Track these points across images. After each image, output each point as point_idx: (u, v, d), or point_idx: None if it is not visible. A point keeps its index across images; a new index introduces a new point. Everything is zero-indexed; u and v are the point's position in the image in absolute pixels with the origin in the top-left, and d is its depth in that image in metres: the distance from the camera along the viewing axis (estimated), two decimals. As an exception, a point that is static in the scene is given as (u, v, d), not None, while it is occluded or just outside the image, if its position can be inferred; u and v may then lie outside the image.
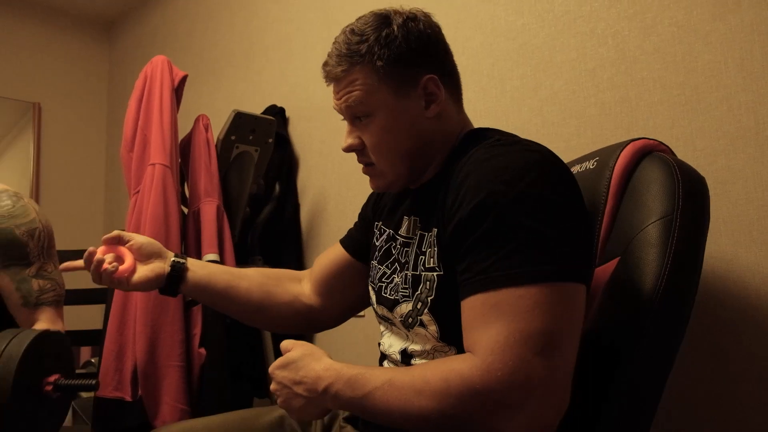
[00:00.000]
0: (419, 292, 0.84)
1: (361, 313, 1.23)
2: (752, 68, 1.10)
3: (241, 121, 1.81)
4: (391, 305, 0.91)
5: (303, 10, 2.20)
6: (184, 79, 1.80)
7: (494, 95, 1.54)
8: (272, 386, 0.86)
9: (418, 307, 0.84)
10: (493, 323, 0.69)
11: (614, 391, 0.76)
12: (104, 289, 1.77)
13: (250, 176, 1.86)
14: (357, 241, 1.13)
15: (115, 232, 1.08)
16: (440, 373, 0.71)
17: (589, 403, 0.76)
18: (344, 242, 1.16)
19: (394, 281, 0.91)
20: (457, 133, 0.93)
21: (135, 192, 1.68)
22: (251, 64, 2.45)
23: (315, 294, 1.17)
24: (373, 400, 0.74)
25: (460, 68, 1.00)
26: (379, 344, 1.00)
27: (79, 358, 2.54)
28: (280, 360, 0.85)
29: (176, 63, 1.86)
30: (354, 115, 0.93)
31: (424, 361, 0.86)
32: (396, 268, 0.94)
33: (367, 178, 0.96)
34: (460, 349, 0.75)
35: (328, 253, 1.18)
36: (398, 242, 0.95)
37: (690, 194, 0.81)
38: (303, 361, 0.82)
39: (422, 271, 0.85)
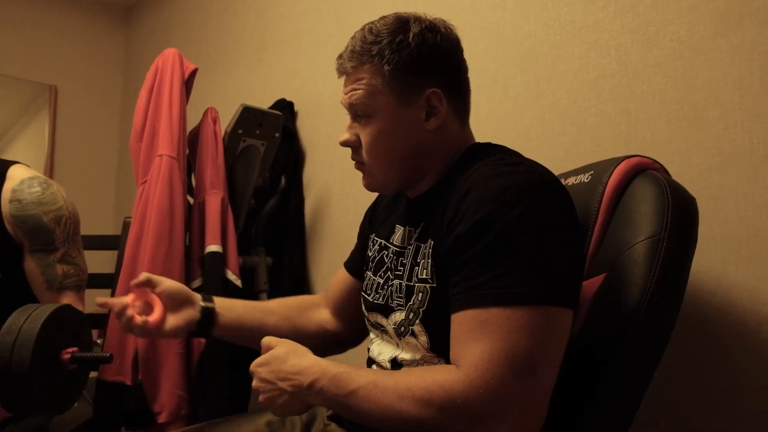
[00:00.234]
0: (412, 302, 0.86)
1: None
2: (750, 87, 1.11)
3: (248, 115, 1.84)
4: (387, 312, 0.93)
5: (316, 5, 2.21)
6: (194, 72, 1.83)
7: (497, 99, 1.56)
8: (254, 383, 0.87)
9: (410, 317, 0.86)
10: (479, 339, 0.72)
11: (591, 405, 0.78)
12: (110, 274, 1.81)
13: (256, 169, 1.89)
14: (358, 262, 1.15)
15: (144, 276, 1.08)
16: (423, 382, 0.73)
17: (568, 415, 0.78)
18: (347, 265, 1.19)
19: (389, 289, 0.93)
20: (457, 148, 0.94)
21: (143, 182, 1.72)
22: (263, 57, 2.47)
23: (335, 318, 1.20)
24: (357, 398, 0.77)
25: None
26: (369, 349, 1.03)
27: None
28: (263, 357, 0.86)
29: (189, 53, 1.89)
30: (355, 113, 0.95)
31: None
32: (389, 276, 0.96)
33: None
34: (449, 361, 0.77)
35: (337, 277, 1.21)
36: (390, 251, 0.97)
37: (679, 216, 0.83)
38: (287, 357, 0.84)
39: (416, 282, 0.87)
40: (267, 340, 0.89)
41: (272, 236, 2.05)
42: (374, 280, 1.00)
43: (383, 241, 1.01)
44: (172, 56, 1.80)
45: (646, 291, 0.78)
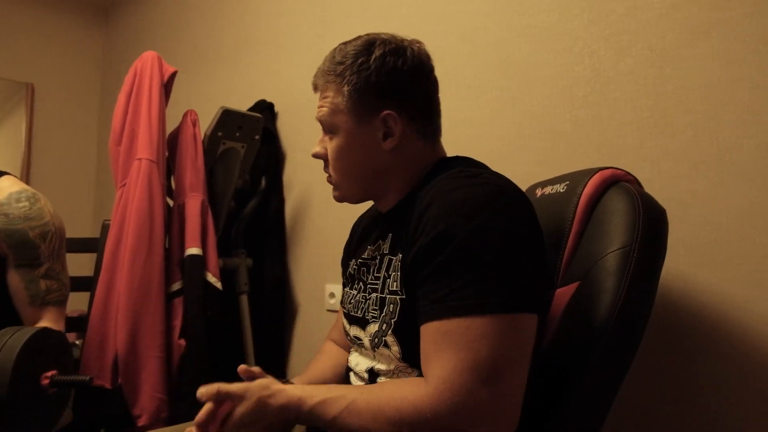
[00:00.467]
0: (384, 313, 0.89)
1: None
2: (717, 96, 1.15)
3: (228, 118, 1.85)
4: (363, 325, 0.95)
5: (296, 7, 2.22)
6: (173, 75, 1.83)
7: (473, 105, 1.58)
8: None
9: (383, 328, 0.88)
10: (444, 351, 0.74)
11: (562, 411, 0.81)
12: (89, 277, 1.81)
13: (236, 172, 1.90)
14: None
15: (215, 389, 0.87)
16: (393, 402, 0.76)
17: (539, 421, 0.81)
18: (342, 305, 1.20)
19: (367, 303, 0.95)
20: (423, 165, 0.97)
21: (122, 185, 1.71)
22: (242, 59, 2.47)
23: None
24: (336, 425, 0.79)
25: (443, 76, 1.05)
26: (348, 359, 1.05)
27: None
28: (237, 418, 0.83)
29: (168, 54, 1.89)
30: (323, 128, 1.00)
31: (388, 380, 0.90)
32: (360, 287, 0.99)
33: None
34: (421, 371, 0.79)
35: (341, 322, 1.19)
36: (362, 264, 1.01)
37: (649, 227, 0.86)
38: (260, 406, 0.83)
39: (387, 294, 0.89)
40: (224, 388, 0.86)
41: (252, 238, 2.05)
42: (351, 294, 1.03)
43: (355, 265, 1.04)
44: (151, 59, 1.80)
45: (617, 299, 0.81)
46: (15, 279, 1.38)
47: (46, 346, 1.17)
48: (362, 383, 0.96)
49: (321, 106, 0.98)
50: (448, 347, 0.73)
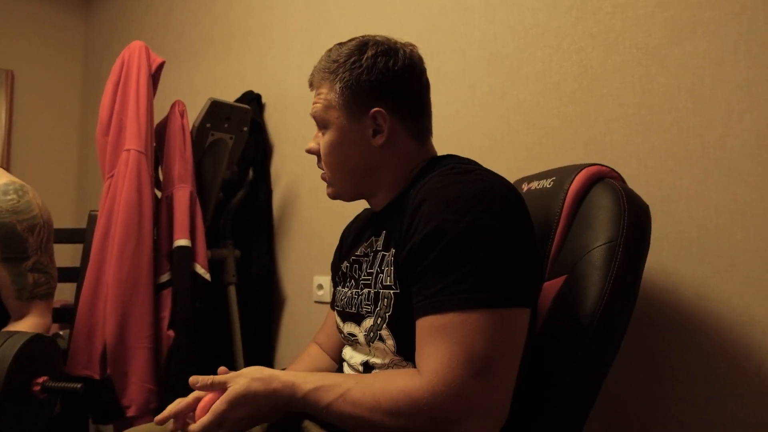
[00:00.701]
0: (378, 308, 0.90)
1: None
2: (702, 94, 1.18)
3: (216, 109, 1.84)
4: (359, 320, 0.96)
5: (284, -2, 2.22)
6: (161, 65, 1.82)
7: (464, 101, 1.60)
8: (232, 426, 0.85)
9: (378, 322, 0.90)
10: (438, 345, 0.76)
11: (548, 403, 0.84)
12: (77, 268, 1.80)
13: (224, 163, 1.89)
14: None
15: (209, 380, 0.88)
16: (389, 393, 0.77)
17: (526, 412, 0.83)
18: (333, 307, 1.18)
19: (360, 298, 0.96)
20: (415, 163, 0.99)
21: (109, 176, 1.70)
22: (230, 49, 2.46)
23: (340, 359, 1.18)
24: (330, 413, 0.81)
25: (433, 72, 1.07)
26: (342, 352, 1.07)
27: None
28: (226, 404, 0.83)
29: (154, 43, 1.88)
30: (317, 124, 1.03)
31: None
32: (352, 284, 1.01)
33: None
34: (415, 364, 0.81)
35: (329, 325, 1.22)
36: (355, 262, 1.02)
37: (634, 222, 0.89)
38: (257, 390, 0.83)
39: (380, 289, 0.91)
40: (218, 379, 0.87)
41: (240, 229, 2.06)
42: (343, 292, 1.05)
43: (347, 263, 1.06)
44: (139, 49, 1.78)
45: (603, 292, 0.84)
46: (2, 272, 1.37)
47: (38, 353, 1.17)
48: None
49: (315, 102, 1.01)
50: (442, 341, 0.75)
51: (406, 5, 1.78)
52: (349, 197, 1.05)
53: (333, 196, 1.06)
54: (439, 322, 0.77)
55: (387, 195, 1.00)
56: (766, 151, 1.09)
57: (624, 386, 1.21)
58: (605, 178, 0.97)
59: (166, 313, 1.64)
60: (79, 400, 1.23)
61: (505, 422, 0.76)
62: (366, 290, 0.94)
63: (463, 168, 0.89)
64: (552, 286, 0.93)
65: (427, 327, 0.78)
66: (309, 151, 1.04)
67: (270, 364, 2.03)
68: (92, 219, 1.79)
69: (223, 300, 1.93)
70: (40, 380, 1.15)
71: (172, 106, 1.85)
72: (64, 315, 1.80)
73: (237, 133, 1.91)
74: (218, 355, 1.86)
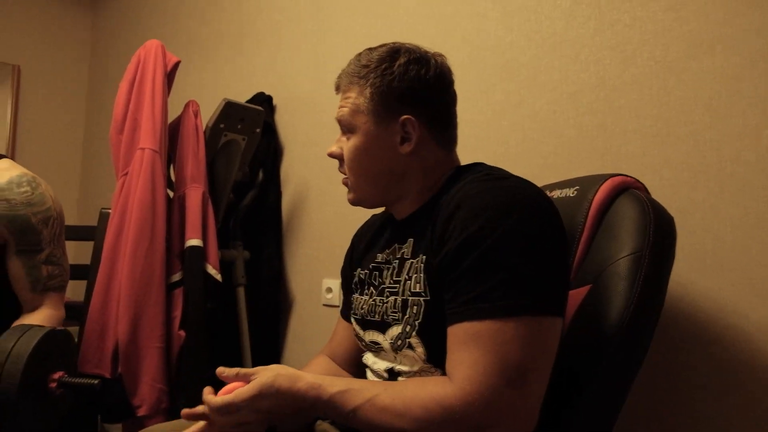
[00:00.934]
0: (407, 315, 0.90)
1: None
2: (718, 108, 1.19)
3: (230, 110, 1.85)
4: (384, 329, 0.96)
5: (295, 1, 2.22)
6: (176, 65, 1.83)
7: (479, 107, 1.61)
8: (248, 416, 0.85)
9: (407, 330, 0.90)
10: (471, 352, 0.76)
11: (572, 415, 0.84)
12: (86, 265, 1.80)
13: (237, 164, 1.90)
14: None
15: (235, 370, 0.90)
16: (420, 400, 0.78)
17: (550, 419, 0.84)
18: (344, 313, 1.20)
19: (384, 306, 0.96)
20: (441, 172, 1.00)
21: (123, 174, 1.71)
22: (241, 50, 2.46)
23: (353, 370, 1.18)
24: (356, 417, 0.81)
25: None
26: (361, 357, 1.07)
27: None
28: (252, 390, 0.83)
29: (161, 41, 1.87)
30: (342, 128, 1.03)
31: None
32: (372, 291, 1.01)
33: None
34: (445, 371, 0.82)
35: (341, 331, 1.20)
36: (376, 270, 1.03)
37: (660, 233, 0.90)
38: (281, 386, 0.84)
39: (408, 296, 0.91)
40: (243, 370, 0.88)
41: (249, 230, 2.06)
42: (362, 299, 1.05)
43: (366, 270, 1.06)
44: (155, 48, 1.79)
45: (629, 303, 0.85)
46: (16, 265, 1.37)
47: (54, 348, 1.17)
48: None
49: (342, 106, 1.01)
50: (476, 348, 0.76)
51: (418, 9, 1.79)
52: (371, 204, 1.05)
53: (354, 202, 1.05)
54: (473, 329, 0.77)
55: (412, 203, 1.00)
56: (784, 167, 1.11)
57: (641, 397, 1.22)
58: (630, 188, 0.99)
59: (177, 313, 1.64)
60: (94, 396, 1.24)
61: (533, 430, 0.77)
62: (392, 298, 0.94)
63: (497, 174, 0.90)
64: (576, 296, 0.94)
65: (460, 334, 0.79)
66: (331, 155, 1.04)
67: (277, 365, 2.03)
68: (104, 217, 1.79)
69: (232, 301, 1.93)
70: (57, 375, 1.15)
71: (186, 105, 1.85)
72: (72, 312, 1.80)
73: (250, 135, 1.91)
74: (226, 356, 1.86)
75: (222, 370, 0.90)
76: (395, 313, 0.93)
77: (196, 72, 2.69)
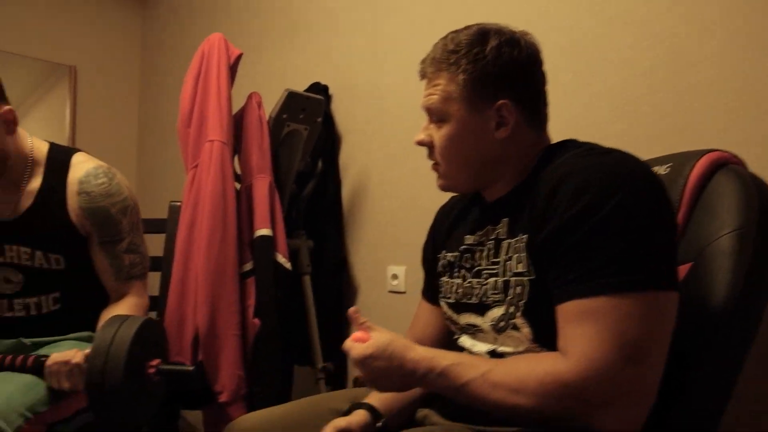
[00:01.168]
0: (510, 296, 0.89)
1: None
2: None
3: (292, 101, 1.86)
4: (482, 311, 0.95)
5: (349, -12, 2.22)
6: (239, 57, 1.85)
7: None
8: (363, 374, 0.88)
9: (511, 311, 0.89)
10: (587, 328, 0.75)
11: (684, 393, 0.83)
12: (159, 257, 1.84)
13: (299, 154, 1.92)
14: (435, 290, 1.14)
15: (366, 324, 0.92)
16: (535, 375, 0.77)
17: (665, 394, 0.83)
18: (427, 295, 1.19)
19: (483, 288, 0.95)
20: (533, 153, 0.97)
21: (193, 166, 1.74)
22: (294, 40, 2.47)
23: None
24: (467, 391, 0.81)
25: None
26: (456, 340, 1.06)
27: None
28: (368, 350, 0.86)
29: (209, 35, 1.88)
30: (431, 116, 1.00)
31: None
32: (464, 274, 1.01)
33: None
34: (551, 350, 0.81)
35: (424, 316, 1.19)
36: (468, 252, 1.02)
37: (764, 208, 0.87)
38: (394, 352, 0.86)
39: (510, 277, 0.90)
40: (358, 334, 0.91)
41: (310, 219, 2.08)
42: (453, 282, 1.04)
43: (456, 253, 1.05)
44: (218, 41, 1.82)
45: (737, 279, 0.82)
46: (100, 256, 1.41)
47: (150, 336, 1.21)
48: None
49: (431, 94, 0.98)
50: (592, 325, 0.75)
51: (481, -6, 1.77)
52: (464, 189, 1.05)
53: (445, 188, 1.04)
54: (588, 305, 0.76)
55: (506, 185, 0.99)
56: None
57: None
58: (728, 164, 0.96)
59: (251, 302, 1.68)
60: (189, 383, 1.28)
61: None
62: (492, 279, 0.93)
63: (599, 149, 0.88)
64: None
65: (573, 311, 0.78)
66: (420, 143, 1.02)
67: (343, 355, 2.05)
68: (173, 210, 1.83)
69: (297, 290, 1.96)
70: (154, 363, 1.19)
71: (249, 97, 1.88)
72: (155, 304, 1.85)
73: (311, 124, 1.93)
74: (295, 344, 1.89)
75: (355, 310, 0.93)
76: (496, 294, 0.92)
77: (249, 64, 2.71)
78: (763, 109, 1.21)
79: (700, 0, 1.30)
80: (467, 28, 0.99)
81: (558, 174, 0.85)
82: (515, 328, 0.89)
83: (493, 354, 0.94)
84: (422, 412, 1.05)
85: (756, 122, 1.21)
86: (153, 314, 1.74)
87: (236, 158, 1.89)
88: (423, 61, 1.02)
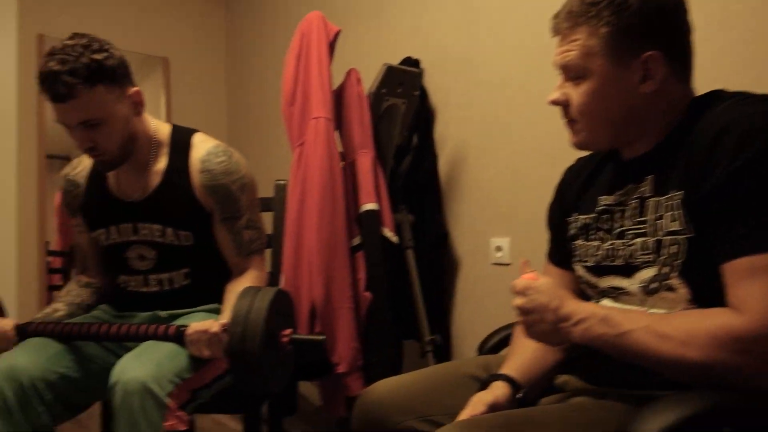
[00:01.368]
0: (663, 256, 0.86)
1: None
2: None
3: (391, 75, 1.86)
4: (629, 272, 0.92)
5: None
6: (337, 34, 1.86)
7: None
8: (519, 302, 0.90)
9: (665, 271, 0.86)
10: (761, 285, 0.73)
11: None
12: (269, 235, 1.89)
13: (398, 128, 1.92)
14: (563, 254, 1.12)
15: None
16: (705, 328, 0.75)
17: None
18: (554, 259, 1.16)
19: (629, 249, 0.92)
20: (680, 106, 0.92)
21: (299, 144, 1.77)
22: (380, 15, 2.46)
23: None
24: (628, 340, 0.80)
25: None
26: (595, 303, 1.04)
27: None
28: (535, 282, 0.90)
29: (296, 16, 1.90)
30: (566, 73, 0.96)
31: None
32: (603, 235, 0.98)
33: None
34: None
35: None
36: (600, 212, 0.99)
37: None
38: (557, 293, 0.89)
39: (662, 236, 0.86)
40: (527, 276, 0.93)
41: (409, 194, 2.08)
42: (591, 245, 1.01)
43: (592, 215, 1.02)
44: (317, 19, 1.83)
45: None
46: (222, 232, 1.45)
47: (282, 306, 1.24)
48: None
49: (568, 50, 0.93)
50: (766, 281, 0.73)
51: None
52: (602, 147, 1.01)
53: (581, 146, 1.00)
54: (759, 262, 0.74)
55: (648, 141, 0.94)
56: None
57: None
58: None
59: (361, 275, 1.70)
60: (320, 352, 1.31)
61: None
62: (639, 240, 0.90)
63: (758, 97, 0.83)
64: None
65: (745, 268, 0.75)
66: (555, 102, 0.98)
67: (447, 327, 2.06)
68: (280, 188, 1.87)
69: (401, 264, 1.97)
70: (287, 332, 1.22)
71: (348, 73, 1.89)
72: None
73: (409, 98, 1.93)
74: (402, 318, 1.91)
75: (525, 262, 0.95)
76: (646, 254, 0.89)
77: (338, 41, 2.72)
78: None
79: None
80: None
81: (717, 124, 0.81)
82: (670, 289, 0.86)
83: None
84: (561, 378, 1.04)
85: None
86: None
87: (337, 135, 1.91)
88: (556, 16, 0.97)
